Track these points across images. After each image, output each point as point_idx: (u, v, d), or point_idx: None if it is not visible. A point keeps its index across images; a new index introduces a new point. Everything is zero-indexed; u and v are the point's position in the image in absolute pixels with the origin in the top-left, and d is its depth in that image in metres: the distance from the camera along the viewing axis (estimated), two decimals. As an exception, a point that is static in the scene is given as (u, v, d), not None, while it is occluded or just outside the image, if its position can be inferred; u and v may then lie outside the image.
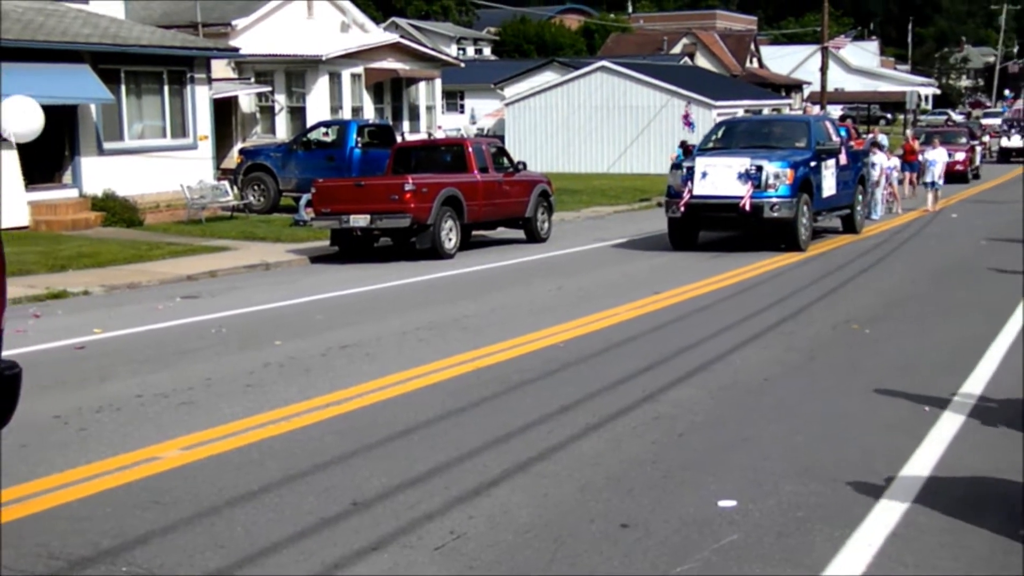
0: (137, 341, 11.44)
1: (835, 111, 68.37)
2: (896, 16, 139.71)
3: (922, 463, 6.78)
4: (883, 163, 26.09)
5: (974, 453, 7.00)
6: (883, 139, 32.19)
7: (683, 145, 21.66)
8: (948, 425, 7.65)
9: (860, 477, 6.50)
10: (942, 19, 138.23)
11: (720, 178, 18.20)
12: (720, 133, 20.87)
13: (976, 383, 8.92)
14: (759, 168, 18.09)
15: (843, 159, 20.66)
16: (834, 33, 64.27)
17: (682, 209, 18.41)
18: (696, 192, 18.26)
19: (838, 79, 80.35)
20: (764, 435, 7.46)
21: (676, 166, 19.39)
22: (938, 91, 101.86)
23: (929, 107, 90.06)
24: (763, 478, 6.53)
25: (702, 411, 8.13)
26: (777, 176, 18.08)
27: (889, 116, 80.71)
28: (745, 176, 18.03)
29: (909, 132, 34.46)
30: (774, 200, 18.03)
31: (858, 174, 22.00)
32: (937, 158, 27.10)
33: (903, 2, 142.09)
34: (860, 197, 22.22)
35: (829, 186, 19.85)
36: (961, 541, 5.51)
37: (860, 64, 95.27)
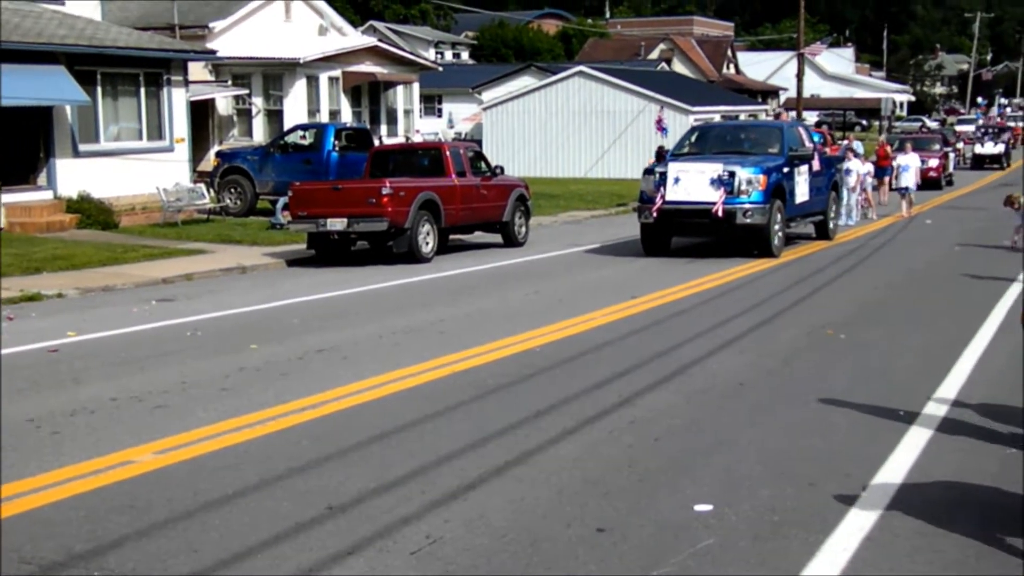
0: (112, 344, 11.38)
1: (811, 117, 68.73)
2: (871, 23, 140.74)
3: (896, 467, 6.81)
4: (859, 169, 26.15)
5: (949, 456, 7.04)
6: (858, 145, 32.35)
7: (659, 150, 21.37)
8: (922, 429, 7.69)
9: (835, 481, 6.53)
10: (917, 26, 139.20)
11: (693, 183, 18.07)
12: (693, 138, 20.79)
13: (950, 387, 8.98)
14: (732, 174, 17.97)
15: (816, 165, 20.62)
16: (810, 39, 64.53)
17: (654, 215, 18.32)
18: (669, 198, 18.15)
19: (814, 85, 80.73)
20: (740, 439, 7.49)
21: (649, 171, 19.31)
22: (913, 98, 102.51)
23: (904, 114, 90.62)
24: (739, 482, 6.55)
25: (678, 415, 8.15)
26: (750, 182, 18.00)
27: (864, 122, 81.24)
28: (718, 182, 17.90)
29: (881, 138, 34.62)
30: (747, 206, 17.93)
31: (831, 180, 21.96)
32: (910, 163, 27.23)
33: (878, 9, 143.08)
34: (833, 204, 22.22)
35: (802, 192, 19.81)
36: (934, 545, 5.55)
37: (836, 70, 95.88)
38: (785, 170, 19.07)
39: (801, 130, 21.74)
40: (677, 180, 18.16)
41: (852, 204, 25.58)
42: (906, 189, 26.89)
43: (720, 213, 17.78)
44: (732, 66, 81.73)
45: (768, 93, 76.30)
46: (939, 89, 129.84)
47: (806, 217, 20.77)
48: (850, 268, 17.46)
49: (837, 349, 10.69)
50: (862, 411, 8.19)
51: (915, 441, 7.41)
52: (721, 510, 6.08)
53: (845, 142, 34.00)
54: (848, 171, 25.22)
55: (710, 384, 9.17)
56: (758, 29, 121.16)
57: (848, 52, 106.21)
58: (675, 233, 19.23)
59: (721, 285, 15.44)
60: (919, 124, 73.98)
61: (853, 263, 18.10)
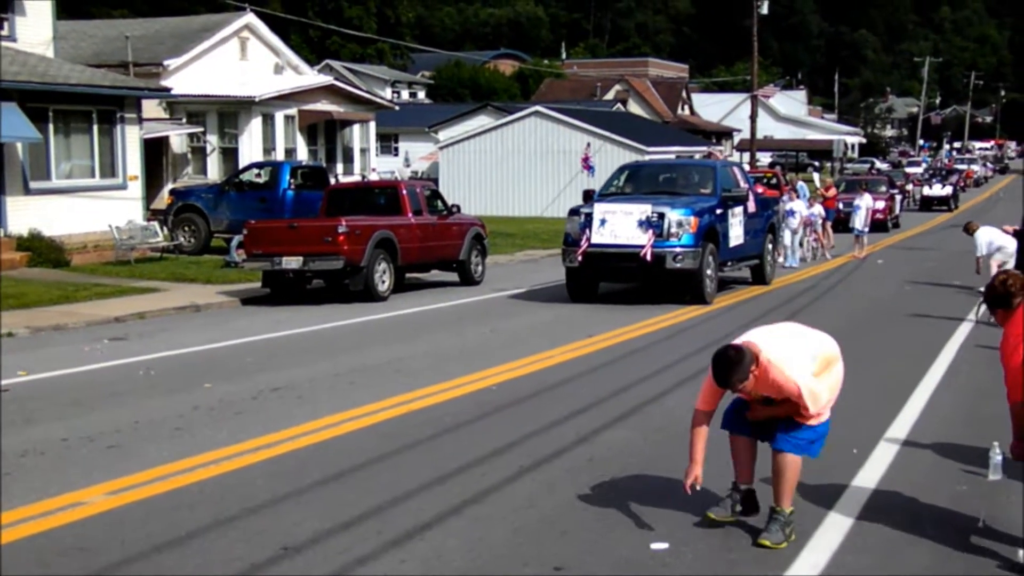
0: (63, 384, 11.23)
1: (764, 158, 69.59)
2: (823, 66, 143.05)
3: (849, 507, 6.85)
4: (802, 210, 25.88)
5: (902, 493, 7.09)
6: (802, 186, 32.53)
7: (586, 193, 19.67)
8: (876, 466, 7.75)
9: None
10: (867, 70, 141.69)
11: (620, 226, 17.12)
12: (623, 178, 19.72)
13: (902, 426, 9.06)
14: (661, 215, 17.02)
15: (751, 206, 19.74)
16: (763, 82, 65.52)
17: (579, 258, 17.29)
18: (594, 240, 17.17)
19: (767, 127, 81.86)
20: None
21: (574, 212, 18.10)
22: (864, 140, 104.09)
23: (855, 155, 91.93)
24: (696, 520, 6.55)
25: (636, 453, 8.16)
26: (680, 224, 17.02)
27: (817, 164, 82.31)
28: (646, 224, 16.96)
29: (828, 179, 34.87)
30: (677, 250, 16.93)
31: (768, 222, 21.02)
32: (861, 204, 27.52)
33: (830, 53, 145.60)
34: (770, 246, 21.21)
35: (736, 235, 18.88)
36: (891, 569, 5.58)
37: (789, 112, 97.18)
38: (718, 211, 18.16)
39: (735, 170, 20.86)
40: (603, 222, 17.22)
41: (795, 246, 25.18)
42: (860, 231, 27.07)
43: (649, 257, 16.82)
44: (687, 107, 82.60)
45: (722, 134, 77.16)
46: (890, 132, 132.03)
47: (741, 261, 19.80)
48: (792, 315, 15.75)
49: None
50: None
51: (869, 477, 7.47)
52: (677, 548, 6.08)
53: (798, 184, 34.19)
54: (791, 212, 24.97)
55: (667, 422, 9.19)
56: (712, 71, 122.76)
57: (800, 95, 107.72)
58: (602, 278, 18.22)
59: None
60: (868, 165, 75.02)
61: (795, 309, 17.04)
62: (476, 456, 8.01)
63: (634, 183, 19.35)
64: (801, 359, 6.13)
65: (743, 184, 19.76)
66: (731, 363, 5.96)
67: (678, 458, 8.02)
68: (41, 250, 22.15)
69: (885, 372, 11.54)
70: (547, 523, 6.53)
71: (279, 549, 6.05)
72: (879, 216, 35.76)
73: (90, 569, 5.78)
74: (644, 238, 16.91)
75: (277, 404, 10.02)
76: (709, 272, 17.58)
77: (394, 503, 6.88)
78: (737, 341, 6.18)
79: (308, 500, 6.99)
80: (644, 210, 17.16)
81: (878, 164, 78.94)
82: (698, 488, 6.35)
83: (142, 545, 6.13)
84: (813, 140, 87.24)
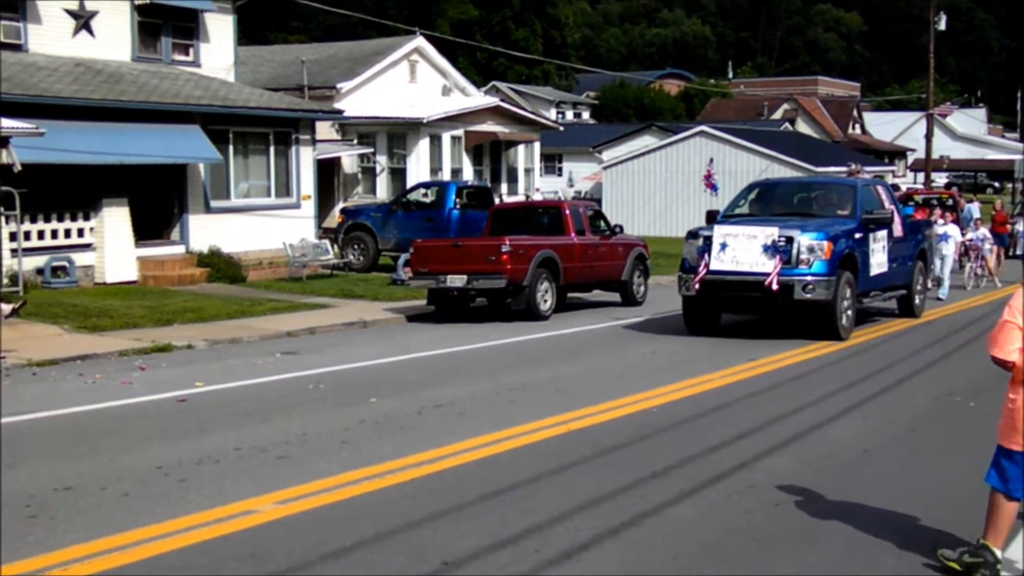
0: (237, 395, 11.66)
1: (940, 179, 67.31)
2: (1004, 83, 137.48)
3: (1027, 541, 6.58)
4: (957, 235, 23.94)
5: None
6: (969, 208, 30.31)
7: (710, 213, 18.18)
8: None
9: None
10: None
11: (742, 250, 15.55)
12: (752, 197, 18.09)
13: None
14: (789, 239, 15.39)
15: (898, 230, 17.90)
16: (939, 100, 63.48)
17: (696, 287, 15.82)
18: (713, 267, 15.67)
19: (944, 146, 79.08)
20: (864, 507, 7.31)
21: (692, 235, 16.57)
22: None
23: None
24: (862, 550, 6.39)
25: (798, 480, 8.00)
26: (812, 249, 15.36)
27: (996, 184, 79.12)
28: (772, 248, 15.34)
29: (999, 202, 33.05)
30: (808, 278, 15.24)
31: (918, 248, 19.08)
32: None
33: (1012, 69, 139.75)
34: (920, 275, 19.14)
35: (879, 262, 17.08)
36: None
37: (967, 131, 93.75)
38: (857, 236, 16.38)
39: (880, 188, 18.71)
40: (724, 246, 15.69)
41: (945, 275, 22.77)
42: (1022, 256, 25.53)
43: (774, 286, 15.19)
44: (858, 126, 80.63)
45: (895, 154, 75.01)
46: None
47: (885, 291, 17.91)
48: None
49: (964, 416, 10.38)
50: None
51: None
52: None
53: (973, 204, 32.56)
54: (944, 237, 22.86)
55: (829, 450, 8.99)
56: (885, 90, 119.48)
57: (980, 112, 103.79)
58: (722, 308, 16.68)
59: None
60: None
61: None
62: (635, 478, 7.98)
63: (763, 203, 17.86)
64: None
65: (888, 205, 17.95)
66: None
67: (840, 487, 7.85)
68: (219, 266, 23.08)
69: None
70: (706, 548, 6.46)
71: (440, 564, 6.15)
72: None
73: (260, 575, 5.98)
74: (770, 265, 15.30)
75: (439, 420, 10.18)
76: (845, 304, 15.81)
77: (552, 523, 6.91)
78: None
79: (468, 516, 7.09)
80: (770, 233, 15.54)
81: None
82: None
83: (308, 554, 6.32)
84: (993, 160, 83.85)
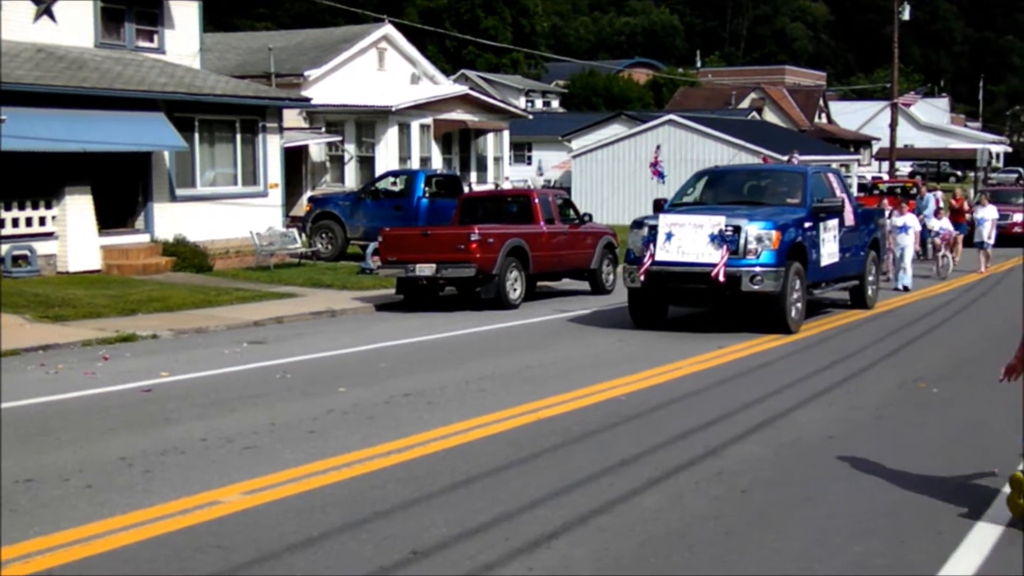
0: (203, 385, 11.57)
1: (904, 167, 67.76)
2: (967, 73, 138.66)
3: (990, 528, 6.61)
4: (916, 225, 23.69)
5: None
6: (929, 197, 29.60)
7: (657, 202, 17.36)
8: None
9: (928, 539, 6.36)
10: (1014, 77, 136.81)
11: (688, 240, 14.99)
12: (700, 186, 17.57)
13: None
14: (736, 228, 14.88)
15: (849, 219, 17.42)
16: (904, 89, 63.78)
17: (641, 278, 15.33)
18: (658, 258, 15.14)
19: (908, 135, 79.68)
20: (829, 494, 7.34)
21: (638, 224, 15.99)
22: (1010, 149, 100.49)
23: (1000, 165, 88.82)
24: (827, 537, 6.41)
25: (766, 468, 8.02)
26: (760, 239, 14.85)
27: (959, 173, 79.79)
28: (719, 238, 14.81)
29: (958, 190, 33.00)
30: (756, 269, 14.76)
31: (871, 237, 18.67)
32: (986, 216, 26.09)
33: (974, 59, 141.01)
34: (872, 265, 18.74)
35: (830, 252, 16.63)
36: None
37: (930, 121, 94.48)
38: (807, 225, 15.91)
39: (831, 176, 18.11)
40: (670, 236, 15.12)
41: (907, 264, 22.44)
42: (983, 244, 25.64)
43: (721, 277, 14.72)
44: (824, 115, 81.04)
45: (860, 143, 75.47)
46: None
47: (837, 282, 17.50)
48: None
49: (928, 403, 10.45)
50: (954, 468, 7.98)
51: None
52: (810, 565, 5.95)
53: (937, 193, 32.58)
54: (904, 228, 22.74)
55: (798, 437, 9.02)
56: (851, 79, 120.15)
57: (943, 102, 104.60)
58: (668, 301, 16.17)
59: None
60: (1016, 176, 72.38)
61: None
62: (604, 466, 7.97)
63: (713, 191, 17.32)
64: None
65: (839, 193, 17.44)
66: None
67: (807, 473, 7.88)
68: (185, 255, 22.90)
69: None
70: (675, 536, 6.46)
71: (408, 553, 6.12)
72: (1017, 229, 34.01)
73: (225, 566, 5.93)
74: (717, 255, 14.77)
75: (408, 410, 10.14)
76: (795, 296, 15.29)
77: (522, 511, 6.90)
78: None
79: (437, 505, 7.05)
80: (717, 222, 14.97)
81: (1026, 174, 76.09)
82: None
83: (275, 545, 6.26)
84: (956, 149, 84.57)
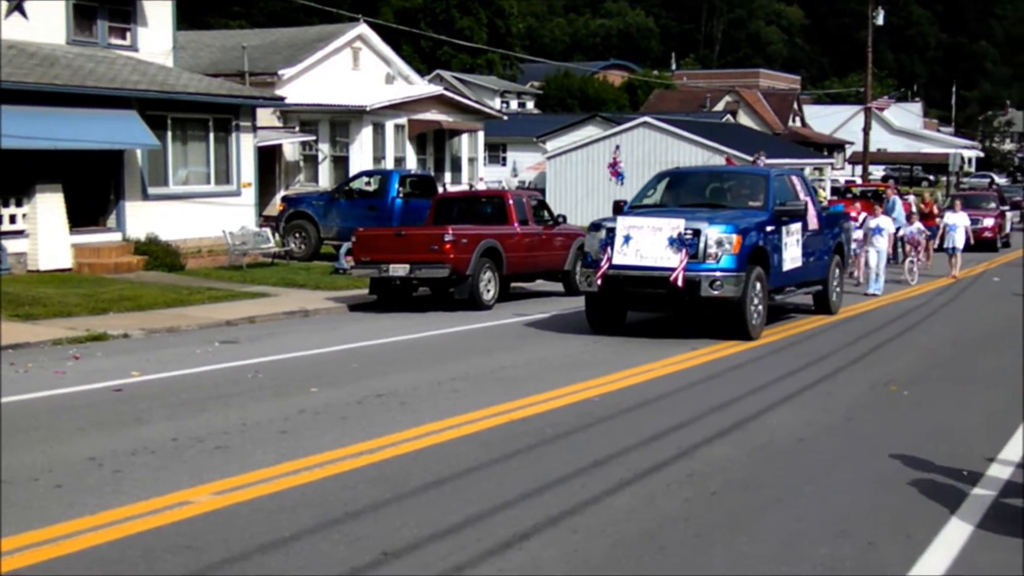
0: (174, 385, 11.51)
1: (877, 171, 68.20)
2: (940, 78, 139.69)
3: (960, 529, 6.66)
4: (890, 228, 23.44)
5: (1012, 520, 6.87)
6: (898, 201, 29.46)
7: (616, 204, 16.80)
8: (986, 491, 7.52)
9: (896, 541, 6.40)
10: (987, 82, 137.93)
11: (647, 244, 14.57)
12: (660, 187, 17.17)
13: (1015, 448, 8.78)
14: (696, 232, 14.47)
15: (813, 222, 17.07)
16: (877, 94, 64.25)
17: (598, 283, 14.89)
18: (616, 261, 14.72)
19: (881, 140, 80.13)
20: (799, 496, 7.38)
21: (595, 227, 15.52)
22: (982, 154, 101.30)
23: (972, 169, 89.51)
24: (797, 540, 6.44)
25: (737, 470, 8.05)
26: (720, 243, 14.45)
27: (932, 178, 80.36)
28: (678, 242, 14.38)
29: (926, 194, 32.93)
30: (716, 274, 14.34)
31: (835, 241, 18.29)
32: (957, 222, 26.11)
33: (947, 65, 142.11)
34: (836, 269, 18.35)
35: (793, 256, 16.23)
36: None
37: (903, 125, 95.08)
38: (769, 228, 15.54)
39: (794, 179, 17.71)
40: (628, 239, 14.69)
41: (880, 270, 22.05)
42: (953, 249, 25.72)
43: (680, 282, 14.30)
44: (798, 119, 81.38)
45: (834, 147, 75.80)
46: (1008, 145, 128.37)
47: (800, 287, 17.14)
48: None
49: (900, 406, 10.52)
50: (924, 470, 8.04)
51: (981, 501, 7.25)
52: (779, 567, 5.98)
53: (909, 197, 32.65)
54: (878, 230, 22.41)
55: (769, 439, 9.06)
56: (825, 83, 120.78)
57: (916, 107, 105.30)
58: (626, 305, 15.81)
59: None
60: (988, 180, 72.95)
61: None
62: (576, 467, 7.98)
63: (674, 193, 16.92)
64: None
65: (803, 196, 17.07)
66: None
67: (778, 475, 7.92)
68: (157, 254, 22.77)
69: (987, 400, 11.20)
70: (646, 537, 6.48)
71: (379, 554, 6.11)
72: (988, 234, 33.91)
73: (195, 567, 5.90)
74: (676, 259, 14.35)
75: (381, 410, 10.12)
76: (756, 302, 14.89)
77: (493, 512, 6.90)
78: None
79: (409, 506, 7.05)
80: (676, 225, 14.54)
81: (997, 179, 76.75)
82: None
83: (246, 545, 6.24)
84: (928, 154, 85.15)
